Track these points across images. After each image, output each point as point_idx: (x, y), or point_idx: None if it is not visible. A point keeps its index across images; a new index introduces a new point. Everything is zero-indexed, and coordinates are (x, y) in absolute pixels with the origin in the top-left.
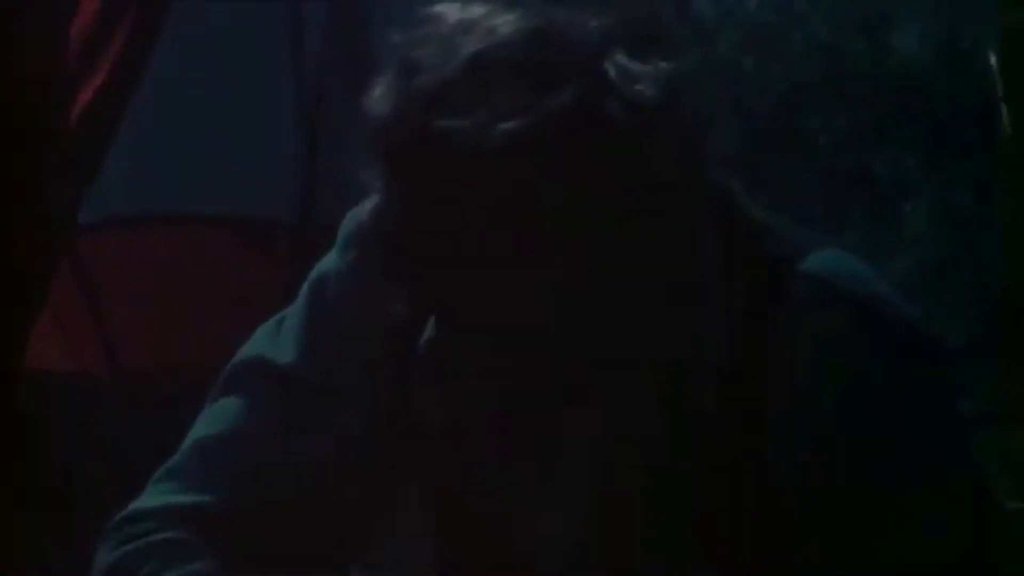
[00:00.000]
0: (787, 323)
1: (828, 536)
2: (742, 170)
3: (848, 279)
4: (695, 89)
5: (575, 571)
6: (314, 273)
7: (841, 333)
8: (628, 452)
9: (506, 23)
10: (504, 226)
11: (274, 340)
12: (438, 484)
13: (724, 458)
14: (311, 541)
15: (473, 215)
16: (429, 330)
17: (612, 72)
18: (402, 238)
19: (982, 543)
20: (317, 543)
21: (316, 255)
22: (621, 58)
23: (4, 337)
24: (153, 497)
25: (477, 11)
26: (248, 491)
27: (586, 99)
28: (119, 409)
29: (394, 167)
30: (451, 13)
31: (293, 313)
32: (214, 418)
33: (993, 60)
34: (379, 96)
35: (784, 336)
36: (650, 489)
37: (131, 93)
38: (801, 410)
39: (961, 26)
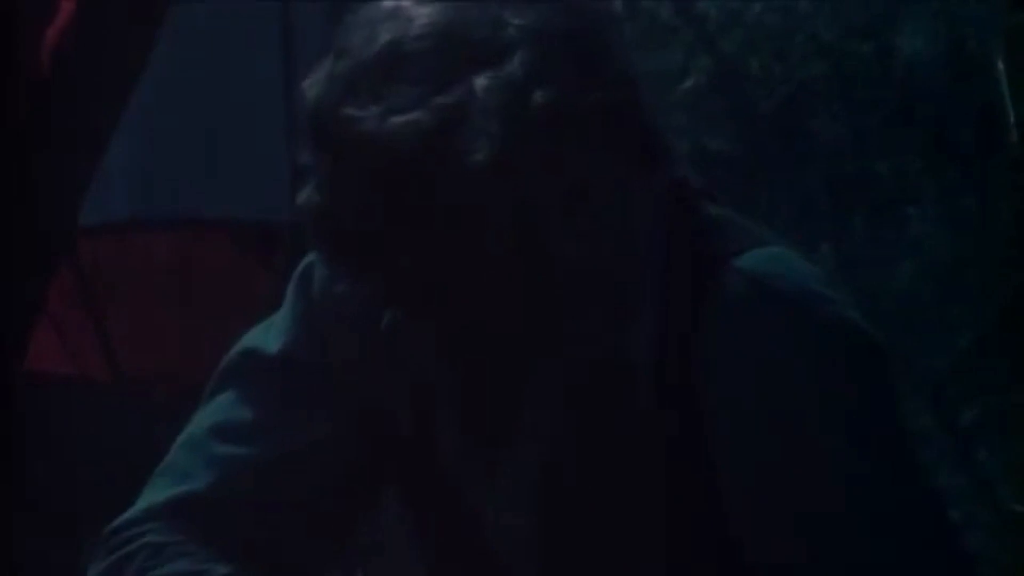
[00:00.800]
0: (717, 319)
1: (754, 526)
2: (746, 171)
3: (780, 277)
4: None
5: (537, 564)
6: (302, 265)
7: (766, 329)
8: (569, 449)
9: (425, 14)
10: (404, 220)
11: (264, 334)
12: (398, 469)
13: (663, 452)
14: (297, 526)
15: (376, 206)
16: (388, 312)
17: (492, 83)
18: (319, 226)
19: (900, 538)
20: (304, 528)
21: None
22: (522, 61)
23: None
24: (147, 497)
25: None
26: (237, 476)
27: (465, 104)
28: (118, 412)
29: (314, 152)
30: (387, 1)
31: (283, 305)
32: (206, 414)
33: (998, 63)
34: (311, 82)
35: (714, 332)
36: (594, 486)
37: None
38: (728, 407)
39: (966, 30)
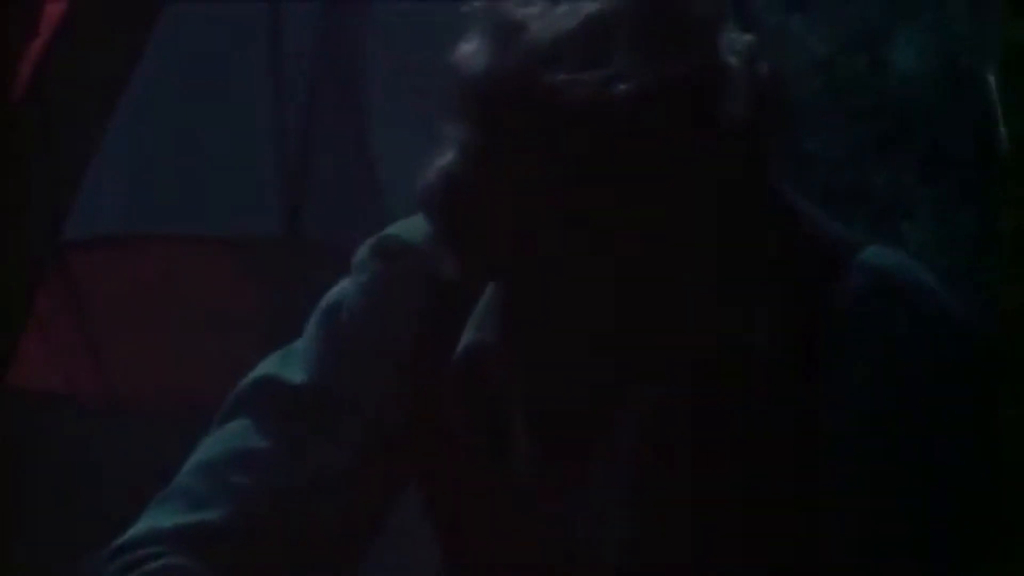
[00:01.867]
0: (845, 312)
1: (863, 517)
2: None
3: (906, 273)
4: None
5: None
6: (325, 301)
7: (899, 324)
8: (670, 455)
9: None
10: (592, 184)
11: (284, 363)
12: (459, 491)
13: (773, 453)
14: (312, 556)
15: (563, 173)
16: (468, 334)
17: (727, 51)
18: (479, 197)
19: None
20: (318, 558)
21: (303, 272)
22: (734, 35)
23: None
24: (153, 519)
25: None
26: (255, 507)
27: (703, 73)
28: (106, 427)
29: (492, 120)
30: None
31: (305, 338)
32: (220, 439)
33: (992, 77)
34: (472, 53)
35: (841, 324)
36: (692, 492)
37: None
38: (856, 396)
39: (959, 44)
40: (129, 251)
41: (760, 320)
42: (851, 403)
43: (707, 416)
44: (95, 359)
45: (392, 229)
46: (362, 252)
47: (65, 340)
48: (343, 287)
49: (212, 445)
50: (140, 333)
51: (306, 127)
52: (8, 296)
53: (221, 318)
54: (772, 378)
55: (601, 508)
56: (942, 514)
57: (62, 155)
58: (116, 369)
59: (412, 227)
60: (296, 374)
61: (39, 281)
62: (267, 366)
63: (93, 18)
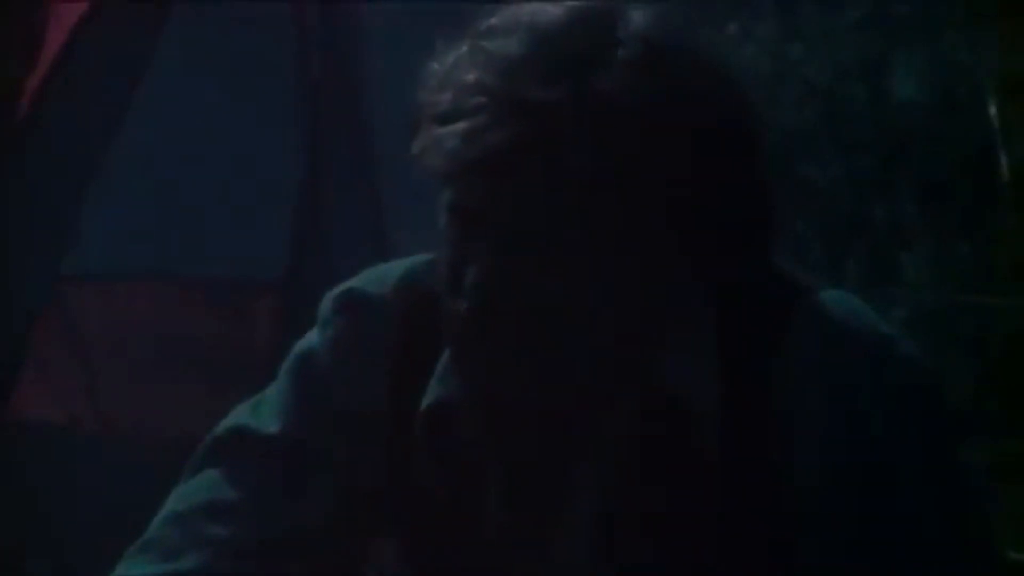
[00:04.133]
0: (794, 360)
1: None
2: None
3: (855, 319)
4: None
5: None
6: (296, 350)
7: (848, 364)
8: (630, 501)
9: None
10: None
11: (256, 412)
12: (427, 542)
13: (727, 495)
14: None
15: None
16: (432, 391)
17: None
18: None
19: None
20: None
21: (298, 317)
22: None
23: None
24: (126, 570)
25: None
26: (229, 559)
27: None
28: (103, 460)
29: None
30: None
31: (275, 388)
32: (194, 490)
33: (991, 107)
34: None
35: (791, 372)
36: (653, 536)
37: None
38: (812, 446)
39: (958, 73)
40: (125, 286)
41: (705, 374)
42: (816, 463)
43: (652, 483)
44: (92, 391)
45: (356, 281)
46: (326, 306)
47: (62, 372)
48: (310, 339)
49: (186, 496)
50: (136, 366)
51: (310, 176)
52: (8, 328)
53: (219, 355)
54: (717, 436)
55: (571, 555)
56: (920, 566)
57: (61, 186)
58: (113, 401)
59: (377, 278)
60: (269, 424)
61: (38, 313)
62: (239, 415)
63: (91, 52)
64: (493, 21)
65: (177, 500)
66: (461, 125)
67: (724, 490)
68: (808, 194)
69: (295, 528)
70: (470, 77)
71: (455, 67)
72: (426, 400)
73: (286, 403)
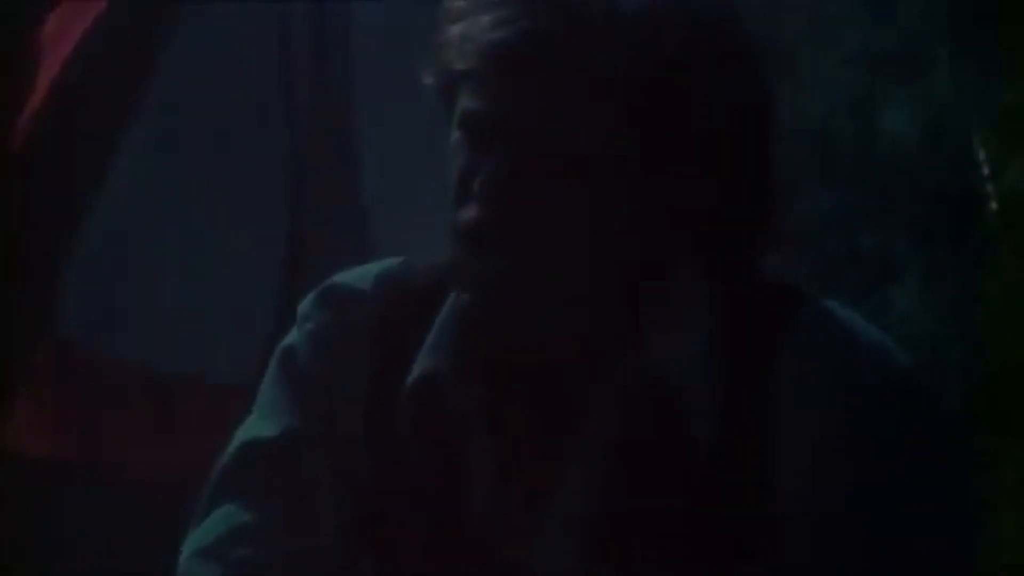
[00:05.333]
0: (794, 362)
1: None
2: None
3: (855, 323)
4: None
5: None
6: (279, 350)
7: (850, 366)
8: (618, 481)
9: None
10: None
11: (253, 424)
12: (411, 535)
13: (720, 491)
14: None
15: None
16: (420, 365)
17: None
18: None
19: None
20: None
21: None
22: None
23: None
24: None
25: None
26: (265, 572)
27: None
28: (101, 495)
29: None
30: None
31: (264, 392)
32: (213, 525)
33: (978, 143)
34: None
35: (789, 372)
36: (644, 531)
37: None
38: (806, 449)
39: (948, 108)
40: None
41: (693, 356)
42: (811, 466)
43: (644, 472)
44: (89, 425)
45: (338, 277)
46: (307, 301)
47: (58, 405)
48: (292, 336)
49: (207, 531)
50: (134, 400)
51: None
52: (4, 355)
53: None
54: (712, 426)
55: (557, 534)
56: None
57: (57, 215)
58: (110, 436)
59: (356, 274)
60: (267, 429)
61: (33, 347)
62: (244, 431)
63: (85, 79)
64: None
65: (200, 536)
66: (485, 17)
67: (714, 486)
68: (798, 228)
69: (314, 532)
70: None
71: None
72: (414, 372)
73: (278, 402)
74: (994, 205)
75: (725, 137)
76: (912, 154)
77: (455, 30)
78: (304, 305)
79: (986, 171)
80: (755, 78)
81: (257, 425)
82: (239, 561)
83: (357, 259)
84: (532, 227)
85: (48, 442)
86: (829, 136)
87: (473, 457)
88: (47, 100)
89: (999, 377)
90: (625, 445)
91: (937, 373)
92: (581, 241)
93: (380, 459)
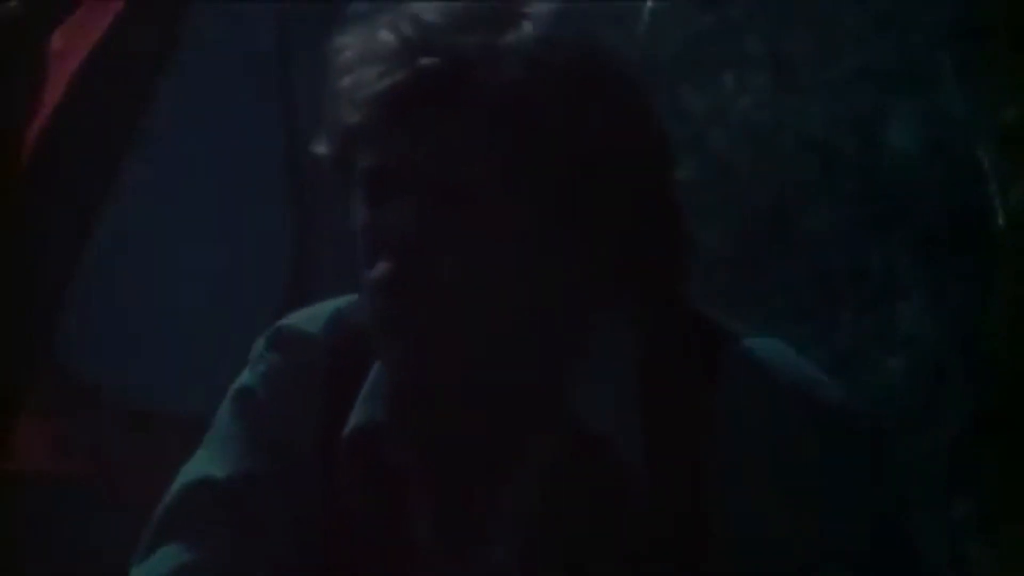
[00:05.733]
0: (724, 405)
1: None
2: (735, 267)
3: (783, 365)
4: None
5: None
6: (231, 391)
7: (780, 412)
8: (553, 527)
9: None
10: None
11: (206, 463)
12: (362, 567)
13: (654, 531)
14: None
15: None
16: (355, 416)
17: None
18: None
19: None
20: None
21: None
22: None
23: None
24: None
25: None
26: None
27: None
28: (108, 513)
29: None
30: None
31: (215, 433)
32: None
33: (985, 158)
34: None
35: (721, 416)
36: (578, 563)
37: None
38: (740, 491)
39: (953, 123)
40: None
41: (621, 407)
42: (748, 512)
43: (577, 520)
44: (92, 442)
45: (288, 320)
46: (259, 344)
47: (62, 422)
48: (244, 378)
49: (150, 573)
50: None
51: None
52: (6, 374)
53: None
54: (644, 476)
55: (503, 569)
56: None
57: (64, 229)
58: (112, 455)
59: (307, 316)
60: (217, 471)
61: (38, 363)
62: (191, 469)
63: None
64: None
65: (146, 572)
66: (373, 68)
67: (646, 531)
68: (804, 245)
69: (267, 568)
70: (384, 31)
71: (370, 29)
72: (350, 423)
73: (228, 443)
74: (1000, 221)
75: (619, 166)
76: (917, 170)
77: (345, 83)
78: (256, 347)
79: (992, 187)
80: (640, 108)
81: (206, 464)
82: None
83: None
84: (444, 277)
85: (52, 460)
86: (834, 152)
87: (411, 506)
88: (55, 113)
89: (1005, 392)
90: (557, 494)
91: (945, 389)
92: (494, 285)
93: (327, 505)
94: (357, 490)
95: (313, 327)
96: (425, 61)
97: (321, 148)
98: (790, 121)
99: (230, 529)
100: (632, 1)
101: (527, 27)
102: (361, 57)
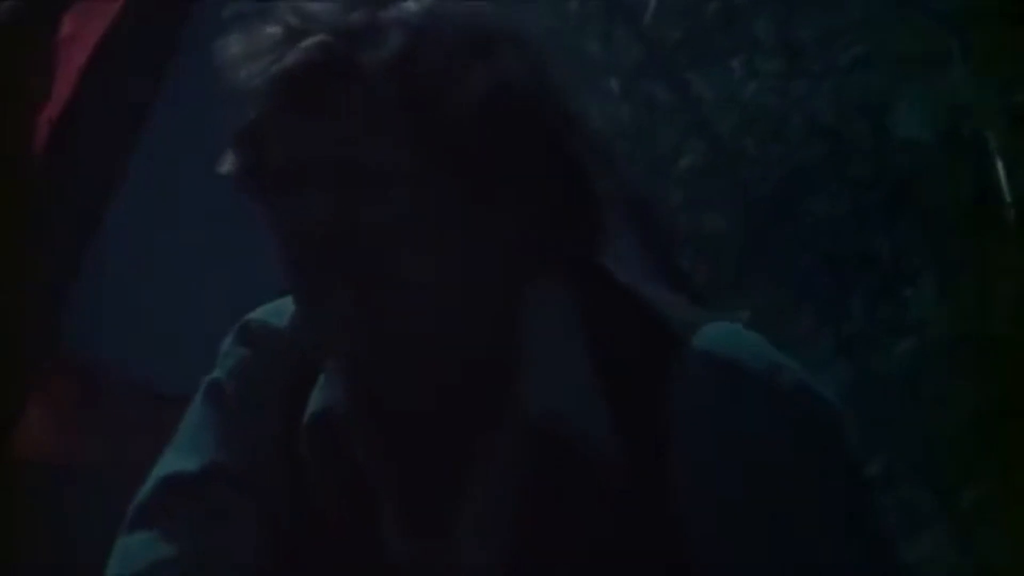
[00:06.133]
0: (683, 398)
1: None
2: (743, 252)
3: (740, 351)
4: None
5: None
6: (202, 386)
7: (740, 406)
8: (522, 520)
9: None
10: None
11: (176, 458)
12: (327, 564)
13: (622, 518)
14: None
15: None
16: (312, 403)
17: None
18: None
19: None
20: None
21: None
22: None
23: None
24: None
25: None
26: None
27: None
28: (116, 499)
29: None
30: None
31: (185, 427)
32: (132, 553)
33: (993, 143)
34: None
35: (680, 410)
36: (545, 552)
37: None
38: (704, 486)
39: (962, 109)
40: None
41: (597, 413)
42: (713, 510)
43: (543, 514)
44: (100, 428)
45: (256, 313)
46: (228, 338)
47: (69, 409)
48: (214, 373)
49: (123, 566)
50: (145, 402)
51: None
52: (12, 364)
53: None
54: (608, 470)
55: (471, 565)
56: None
57: (72, 219)
58: (121, 439)
59: (274, 310)
60: (187, 464)
61: (45, 351)
62: (163, 466)
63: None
64: None
65: (120, 563)
66: (266, 58)
67: (614, 511)
68: (813, 229)
69: (233, 565)
70: (268, 25)
71: (253, 27)
72: (308, 409)
73: (200, 437)
74: (1008, 204)
75: (514, 126)
76: (926, 154)
77: (237, 79)
78: (225, 342)
79: (1000, 171)
80: (531, 68)
81: (176, 460)
82: None
83: None
84: (379, 269)
85: (56, 448)
86: (842, 137)
87: (373, 491)
88: (65, 104)
89: (1014, 377)
90: (523, 485)
91: (953, 373)
92: (429, 268)
93: (296, 499)
94: (321, 482)
95: (279, 320)
96: (312, 40)
97: (225, 166)
98: (798, 106)
99: (202, 522)
100: None
101: (409, 2)
102: (247, 52)
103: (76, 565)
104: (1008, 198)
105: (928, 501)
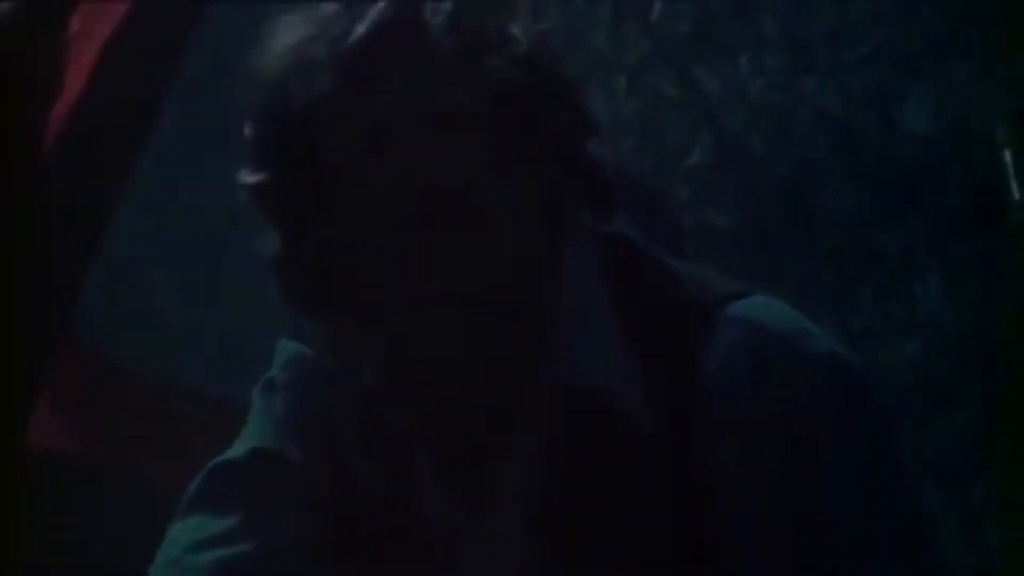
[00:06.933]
0: (716, 365)
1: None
2: (751, 247)
3: (776, 322)
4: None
5: None
6: (260, 384)
7: (773, 374)
8: (558, 494)
9: None
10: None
11: (230, 450)
12: (368, 550)
13: (661, 484)
14: None
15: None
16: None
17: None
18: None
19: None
20: None
21: None
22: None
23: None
24: None
25: None
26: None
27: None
28: (120, 489)
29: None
30: None
31: (247, 426)
32: (181, 533)
33: (1001, 140)
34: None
35: (713, 376)
36: (585, 533)
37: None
38: (746, 454)
39: (970, 105)
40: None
41: (630, 376)
42: (745, 477)
43: (581, 480)
44: (106, 421)
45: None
46: (281, 347)
47: (76, 401)
48: (272, 372)
49: (172, 545)
50: (150, 394)
51: None
52: (24, 363)
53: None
54: (651, 440)
55: (507, 542)
56: None
57: (83, 216)
58: (128, 431)
59: None
60: (238, 450)
61: (55, 348)
62: (217, 459)
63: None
64: None
65: (168, 549)
66: (326, 33)
67: (653, 479)
68: (821, 225)
69: (282, 541)
70: (320, 13)
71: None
72: (352, 391)
73: (256, 425)
74: (1016, 200)
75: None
76: (934, 150)
77: (303, 54)
78: (282, 340)
79: (1009, 168)
80: (535, 44)
81: (229, 452)
82: (208, 564)
83: None
84: (447, 259)
85: (69, 440)
86: (850, 132)
87: (414, 464)
88: (76, 103)
89: (1020, 373)
90: (558, 445)
91: (959, 369)
92: (486, 263)
93: (338, 476)
94: (364, 457)
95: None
96: (380, 6)
97: (250, 176)
98: (806, 102)
99: (248, 501)
100: None
101: (437, 22)
102: (307, 33)
103: (84, 558)
104: (1016, 193)
105: (935, 498)
